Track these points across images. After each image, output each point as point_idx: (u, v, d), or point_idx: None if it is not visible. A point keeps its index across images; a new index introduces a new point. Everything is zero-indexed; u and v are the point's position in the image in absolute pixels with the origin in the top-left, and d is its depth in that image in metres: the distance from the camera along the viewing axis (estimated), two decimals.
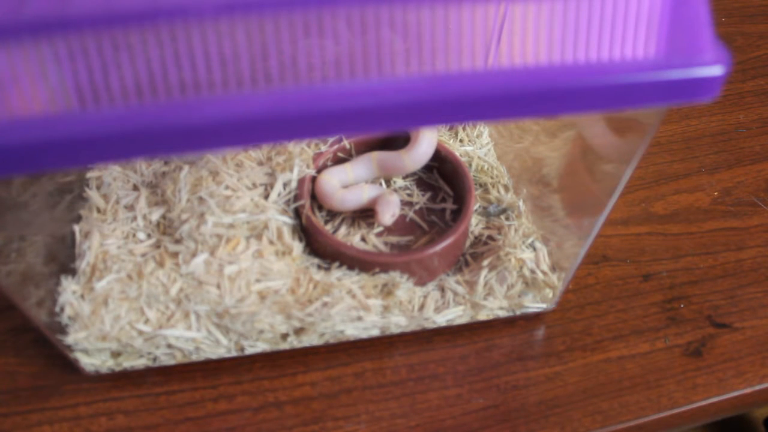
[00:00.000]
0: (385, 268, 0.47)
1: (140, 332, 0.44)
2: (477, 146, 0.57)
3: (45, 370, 0.46)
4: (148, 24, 0.26)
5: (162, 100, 0.27)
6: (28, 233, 0.42)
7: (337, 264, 0.48)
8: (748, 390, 0.48)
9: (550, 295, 0.49)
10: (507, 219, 0.51)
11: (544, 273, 0.48)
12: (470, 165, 0.56)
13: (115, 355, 0.45)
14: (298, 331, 0.46)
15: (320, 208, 0.53)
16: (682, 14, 0.30)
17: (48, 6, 0.25)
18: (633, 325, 0.50)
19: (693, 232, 0.57)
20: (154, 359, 0.45)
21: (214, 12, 0.26)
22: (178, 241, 0.46)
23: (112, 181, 0.50)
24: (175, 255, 0.46)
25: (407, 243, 0.51)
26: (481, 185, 0.55)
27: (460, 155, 0.55)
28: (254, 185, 0.49)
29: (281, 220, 0.48)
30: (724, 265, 0.54)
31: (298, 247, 0.48)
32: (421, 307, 0.47)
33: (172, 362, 0.45)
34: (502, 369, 0.47)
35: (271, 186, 0.50)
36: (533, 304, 0.49)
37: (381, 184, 0.54)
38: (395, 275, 0.47)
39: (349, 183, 0.53)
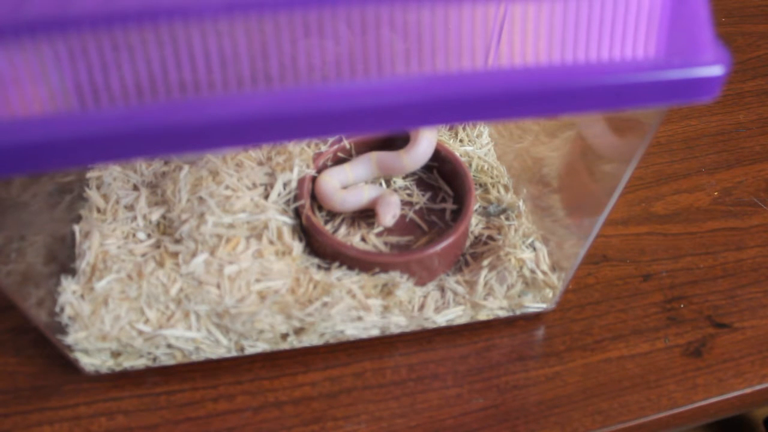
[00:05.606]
0: (385, 268, 0.47)
1: (140, 332, 0.44)
2: (477, 146, 0.57)
3: (45, 370, 0.46)
4: (148, 24, 0.26)
5: (162, 100, 0.27)
6: (28, 233, 0.42)
7: (337, 264, 0.48)
8: (748, 390, 0.48)
9: (550, 295, 0.49)
10: (507, 219, 0.51)
11: (544, 273, 0.48)
12: (470, 165, 0.56)
13: (115, 355, 0.45)
14: (298, 331, 0.46)
15: (320, 208, 0.53)
16: (682, 14, 0.30)
17: (48, 6, 0.25)
18: (633, 325, 0.50)
19: (693, 232, 0.57)
20: (154, 359, 0.45)
21: (214, 12, 0.26)
22: (178, 241, 0.46)
23: (112, 181, 0.50)
24: (175, 255, 0.46)
25: (407, 243, 0.51)
26: (481, 185, 0.55)
27: (460, 155, 0.55)
28: (254, 185, 0.49)
29: (281, 220, 0.48)
30: (724, 265, 0.54)
31: (298, 247, 0.48)
32: (421, 307, 0.47)
33: (172, 362, 0.45)
34: (502, 369, 0.47)
35: (271, 186, 0.50)
36: (533, 304, 0.49)
37: (381, 184, 0.54)
38: (395, 275, 0.47)
39: (349, 183, 0.53)
